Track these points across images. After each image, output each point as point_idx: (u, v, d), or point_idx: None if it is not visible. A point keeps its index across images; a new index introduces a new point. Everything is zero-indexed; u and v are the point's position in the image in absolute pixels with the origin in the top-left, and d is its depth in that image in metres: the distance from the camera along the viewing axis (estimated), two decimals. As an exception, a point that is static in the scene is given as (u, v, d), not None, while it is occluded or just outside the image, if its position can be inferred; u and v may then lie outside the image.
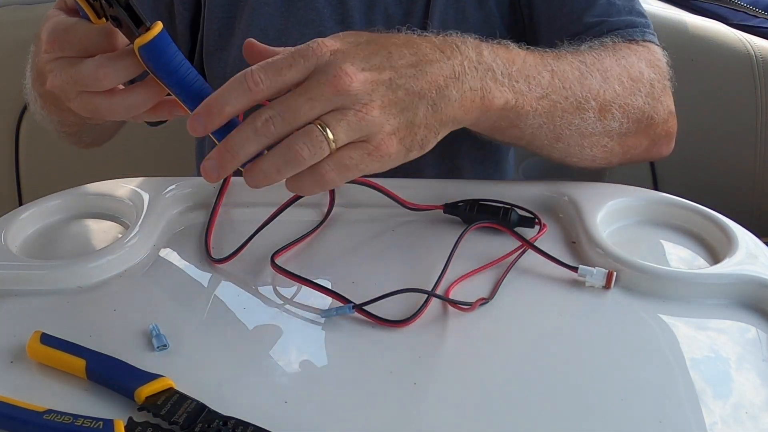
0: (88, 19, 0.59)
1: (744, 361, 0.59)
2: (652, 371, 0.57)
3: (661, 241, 0.73)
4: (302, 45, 0.58)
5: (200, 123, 0.56)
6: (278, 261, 0.67)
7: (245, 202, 0.76)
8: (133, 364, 0.55)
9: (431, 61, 0.61)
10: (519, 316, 0.63)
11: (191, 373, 0.56)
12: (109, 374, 0.55)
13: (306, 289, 0.65)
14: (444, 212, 0.75)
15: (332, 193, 0.76)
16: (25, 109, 1.27)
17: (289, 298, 0.65)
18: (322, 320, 0.62)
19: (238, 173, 0.77)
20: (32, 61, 0.73)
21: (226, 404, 0.53)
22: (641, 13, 0.84)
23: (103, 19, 0.58)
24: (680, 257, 0.70)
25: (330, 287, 0.64)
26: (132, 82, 0.61)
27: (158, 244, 0.71)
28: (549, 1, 0.85)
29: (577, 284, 0.66)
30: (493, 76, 0.64)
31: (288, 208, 0.72)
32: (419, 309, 0.61)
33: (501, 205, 0.73)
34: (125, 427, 0.50)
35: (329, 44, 0.58)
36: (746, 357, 0.59)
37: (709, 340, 0.61)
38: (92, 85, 0.59)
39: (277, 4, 0.87)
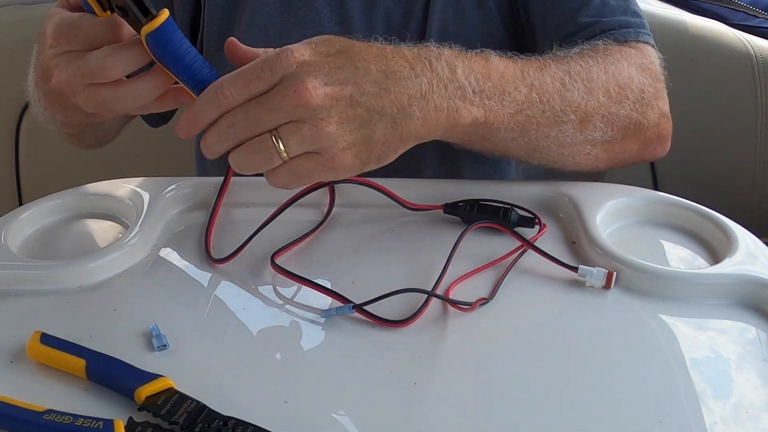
0: (93, 14, 0.60)
1: (744, 361, 0.59)
2: (652, 371, 0.57)
3: (661, 241, 0.73)
4: (272, 53, 0.59)
5: (184, 130, 0.61)
6: (278, 261, 0.67)
7: (245, 202, 0.76)
8: (133, 364, 0.55)
9: (398, 78, 0.62)
10: (519, 316, 0.63)
11: (191, 373, 0.56)
12: (109, 374, 0.55)
13: (306, 289, 0.65)
14: (444, 212, 0.75)
15: (332, 193, 0.76)
16: (25, 109, 1.27)
17: (289, 298, 0.65)
18: (322, 320, 0.62)
19: (238, 173, 0.77)
20: (35, 60, 0.73)
21: (226, 404, 0.53)
22: (636, 13, 0.84)
23: (108, 11, 0.59)
24: (680, 257, 0.70)
25: (330, 287, 0.64)
26: (132, 77, 0.62)
27: (158, 244, 0.71)
28: (543, 1, 0.84)
29: (577, 284, 0.66)
30: (462, 95, 0.65)
31: (288, 208, 0.72)
32: (419, 309, 0.61)
33: (501, 205, 0.73)
34: (125, 427, 0.50)
35: (298, 55, 0.59)
36: (746, 357, 0.59)
37: (709, 340, 0.61)
38: (100, 75, 0.60)
39: (277, 5, 0.87)
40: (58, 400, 0.53)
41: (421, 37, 0.86)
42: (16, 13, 1.26)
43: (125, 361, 0.55)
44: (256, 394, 0.55)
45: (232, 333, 0.62)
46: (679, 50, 1.14)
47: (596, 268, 0.65)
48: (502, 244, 0.70)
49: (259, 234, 0.70)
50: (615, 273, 0.65)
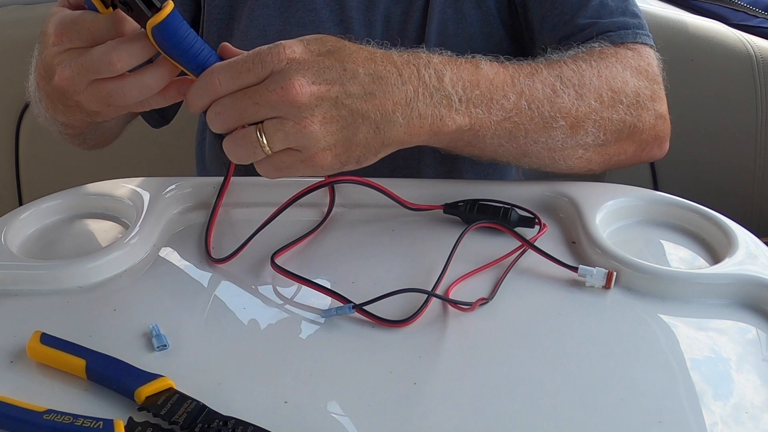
0: (95, 11, 0.61)
1: (744, 361, 0.59)
2: (652, 371, 0.57)
3: (661, 241, 0.73)
4: (266, 47, 0.60)
5: (190, 108, 0.62)
6: (278, 261, 0.67)
7: (245, 202, 0.76)
8: (133, 364, 0.55)
9: (385, 83, 0.63)
10: (519, 316, 0.63)
11: (191, 373, 0.56)
12: (109, 374, 0.55)
13: (306, 289, 0.65)
14: (444, 212, 0.75)
15: (332, 193, 0.76)
16: (25, 109, 1.27)
17: (289, 298, 0.65)
18: (322, 320, 0.62)
19: (238, 173, 0.77)
20: (36, 60, 0.73)
21: (226, 404, 0.53)
22: (635, 14, 0.84)
23: (110, 8, 0.60)
24: (680, 257, 0.70)
25: (330, 287, 0.64)
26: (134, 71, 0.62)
27: (158, 244, 0.71)
28: (542, 3, 0.84)
29: (577, 284, 0.66)
30: (448, 103, 0.65)
31: (288, 208, 0.72)
32: (419, 309, 0.61)
33: (501, 205, 0.73)
34: (125, 427, 0.50)
35: (289, 52, 0.60)
36: (746, 357, 0.59)
37: (709, 340, 0.61)
38: (105, 69, 0.60)
39: (276, 6, 0.87)
40: (58, 400, 0.53)
41: (421, 37, 0.86)
42: (16, 13, 1.26)
43: (125, 361, 0.55)
44: (256, 394, 0.55)
45: (232, 333, 0.62)
46: (679, 50, 1.14)
47: (596, 268, 0.65)
48: (502, 244, 0.70)
49: (259, 234, 0.70)
50: (615, 273, 0.65)
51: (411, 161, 0.90)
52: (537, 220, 0.72)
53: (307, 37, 0.62)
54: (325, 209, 0.75)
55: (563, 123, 0.72)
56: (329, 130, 0.60)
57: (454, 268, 0.67)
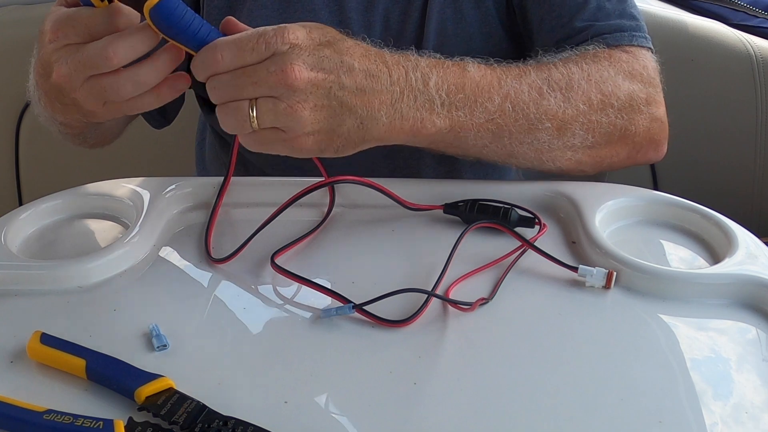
0: (91, 5, 0.61)
1: (744, 361, 0.59)
2: (652, 371, 0.57)
3: (661, 241, 0.73)
4: (270, 29, 0.62)
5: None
6: (278, 261, 0.67)
7: (245, 202, 0.76)
8: (133, 364, 0.55)
9: (376, 81, 0.65)
10: (519, 316, 0.63)
11: (191, 373, 0.56)
12: (109, 374, 0.55)
13: (306, 289, 0.65)
14: (444, 212, 0.75)
15: (332, 193, 0.76)
16: (25, 109, 1.27)
17: (289, 298, 0.65)
18: (322, 320, 0.62)
19: (238, 173, 0.77)
20: (35, 57, 0.73)
21: (226, 404, 0.53)
22: (633, 16, 0.84)
23: (106, 1, 0.61)
24: (680, 257, 0.70)
25: (330, 287, 0.64)
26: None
27: (158, 244, 0.71)
28: (540, 5, 0.84)
29: (577, 284, 0.66)
30: (430, 107, 0.68)
31: (288, 208, 0.72)
32: (419, 309, 0.61)
33: (501, 205, 0.73)
34: (125, 427, 0.50)
35: (292, 36, 0.62)
36: (746, 357, 0.59)
37: (709, 340, 0.61)
38: (101, 64, 0.61)
39: (275, 7, 0.87)
40: (58, 400, 0.53)
41: (419, 37, 0.86)
42: (16, 13, 1.26)
43: (125, 361, 0.55)
44: (256, 394, 0.55)
45: (232, 333, 0.62)
46: (679, 50, 1.14)
47: (596, 268, 0.65)
48: (502, 244, 0.70)
49: (259, 234, 0.70)
50: (615, 273, 0.65)
51: (411, 161, 0.90)
52: (537, 220, 0.72)
53: (309, 24, 0.64)
54: (325, 209, 0.75)
55: (549, 125, 0.73)
56: (317, 117, 0.63)
57: (454, 268, 0.67)
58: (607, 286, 0.65)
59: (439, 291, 0.64)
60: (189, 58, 0.63)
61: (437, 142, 0.72)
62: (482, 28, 0.86)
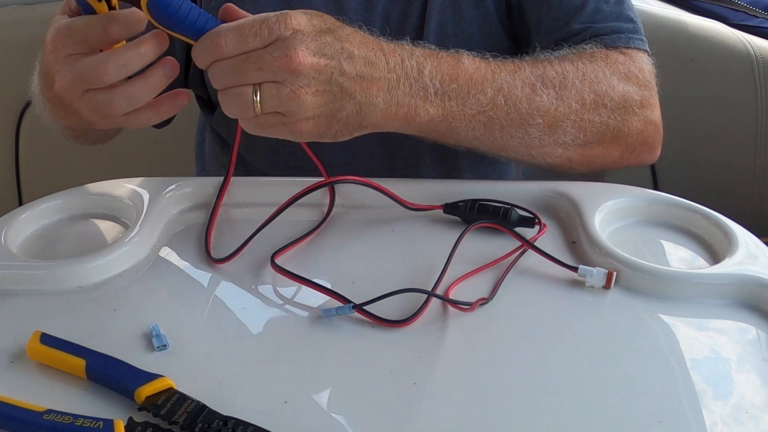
0: (91, 12, 0.63)
1: (744, 361, 0.59)
2: (652, 371, 0.57)
3: (661, 241, 0.73)
4: (272, 14, 0.62)
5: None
6: (278, 261, 0.67)
7: (245, 202, 0.76)
8: (133, 364, 0.55)
9: (374, 68, 0.66)
10: (519, 316, 0.63)
11: (191, 373, 0.56)
12: (109, 374, 0.55)
13: (306, 289, 0.65)
14: (444, 212, 0.75)
15: (332, 193, 0.76)
16: (25, 109, 1.27)
17: (289, 298, 0.65)
18: (322, 320, 0.62)
19: (238, 173, 0.77)
20: (39, 66, 0.74)
21: (226, 404, 0.53)
22: (630, 19, 0.84)
23: (106, 7, 0.62)
24: (680, 257, 0.70)
25: (330, 287, 0.64)
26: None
27: (158, 244, 0.71)
28: (538, 7, 0.84)
29: (577, 284, 0.66)
30: (424, 95, 0.69)
31: (288, 208, 0.72)
32: (419, 309, 0.61)
33: (501, 205, 0.73)
34: (125, 427, 0.50)
35: (294, 22, 0.62)
36: (746, 357, 0.59)
37: (709, 340, 0.61)
38: (94, 80, 0.62)
39: (273, 6, 0.87)
40: (58, 400, 0.53)
41: (419, 37, 0.86)
42: (16, 13, 1.26)
43: (125, 361, 0.55)
44: (256, 394, 0.55)
45: (232, 333, 0.62)
46: (679, 50, 1.14)
47: (596, 268, 0.65)
48: (502, 244, 0.70)
49: (259, 234, 0.70)
50: (615, 273, 0.65)
51: (411, 161, 0.90)
52: (537, 220, 0.72)
53: (309, 11, 0.64)
54: (325, 209, 0.75)
55: (540, 121, 0.74)
56: (318, 102, 0.64)
57: (454, 268, 0.67)
58: (607, 286, 0.65)
59: (439, 291, 0.64)
60: (187, 51, 0.64)
61: (429, 130, 0.73)
62: (482, 28, 0.86)
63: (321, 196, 0.76)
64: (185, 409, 0.52)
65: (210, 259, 0.69)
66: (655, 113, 0.81)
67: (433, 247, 0.70)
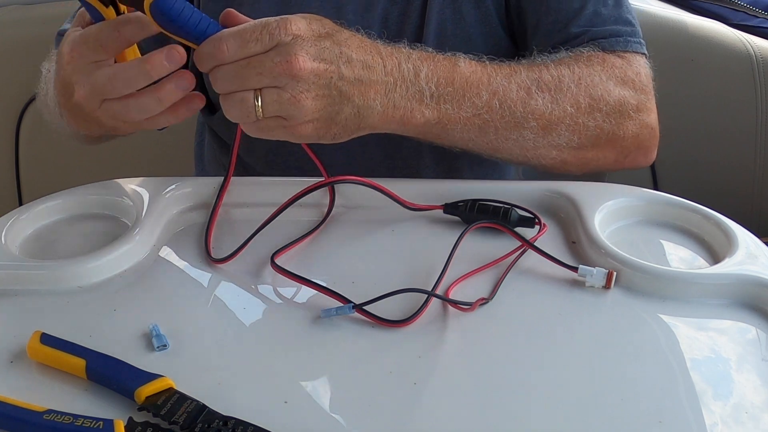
0: (98, 15, 0.64)
1: (744, 361, 0.59)
2: (652, 371, 0.57)
3: (661, 241, 0.73)
4: (272, 20, 0.63)
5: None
6: (278, 261, 0.67)
7: (245, 202, 0.76)
8: (133, 364, 0.55)
9: (372, 72, 0.67)
10: (519, 316, 0.63)
11: (191, 373, 0.56)
12: (109, 374, 0.55)
13: (306, 289, 0.65)
14: (444, 212, 0.75)
15: (332, 193, 0.76)
16: (25, 109, 1.27)
17: (289, 298, 0.65)
18: (322, 320, 0.62)
19: (237, 173, 0.77)
20: (55, 78, 0.75)
21: (226, 404, 0.53)
22: (629, 22, 0.84)
23: (110, 6, 0.64)
24: (680, 257, 0.70)
25: (330, 287, 0.64)
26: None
27: (158, 244, 0.71)
28: (536, 9, 0.85)
29: (577, 284, 0.66)
30: (420, 98, 0.70)
31: (288, 208, 0.72)
32: (419, 309, 0.61)
33: (501, 205, 0.73)
34: (125, 427, 0.50)
35: (295, 27, 0.63)
36: (746, 357, 0.59)
37: (709, 340, 0.61)
38: (109, 92, 0.65)
39: (272, 10, 0.87)
40: (58, 400, 0.53)
41: (419, 38, 0.86)
42: (16, 13, 1.26)
43: (125, 361, 0.55)
44: (256, 394, 0.55)
45: (232, 333, 0.62)
46: (679, 50, 1.14)
47: (596, 268, 0.65)
48: (502, 244, 0.70)
49: (259, 234, 0.70)
50: (615, 273, 0.65)
51: (411, 161, 0.90)
52: (537, 220, 0.72)
53: (308, 15, 0.65)
54: (325, 209, 0.75)
55: (535, 124, 0.75)
56: (318, 106, 0.65)
57: (454, 268, 0.67)
58: (607, 286, 0.65)
59: (439, 291, 0.64)
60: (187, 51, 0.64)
61: (425, 132, 0.74)
62: (482, 28, 0.86)
63: (321, 196, 0.76)
64: (185, 409, 0.52)
65: (210, 259, 0.69)
66: (651, 117, 0.82)
67: (433, 247, 0.70)
